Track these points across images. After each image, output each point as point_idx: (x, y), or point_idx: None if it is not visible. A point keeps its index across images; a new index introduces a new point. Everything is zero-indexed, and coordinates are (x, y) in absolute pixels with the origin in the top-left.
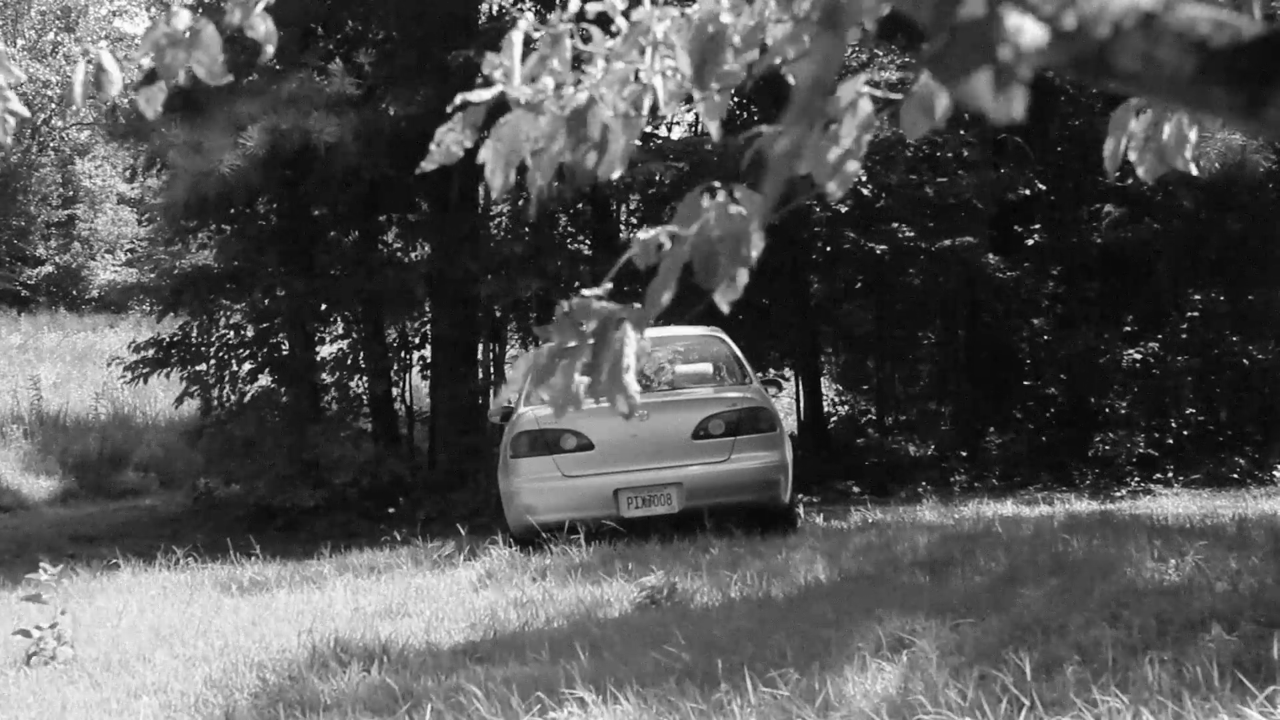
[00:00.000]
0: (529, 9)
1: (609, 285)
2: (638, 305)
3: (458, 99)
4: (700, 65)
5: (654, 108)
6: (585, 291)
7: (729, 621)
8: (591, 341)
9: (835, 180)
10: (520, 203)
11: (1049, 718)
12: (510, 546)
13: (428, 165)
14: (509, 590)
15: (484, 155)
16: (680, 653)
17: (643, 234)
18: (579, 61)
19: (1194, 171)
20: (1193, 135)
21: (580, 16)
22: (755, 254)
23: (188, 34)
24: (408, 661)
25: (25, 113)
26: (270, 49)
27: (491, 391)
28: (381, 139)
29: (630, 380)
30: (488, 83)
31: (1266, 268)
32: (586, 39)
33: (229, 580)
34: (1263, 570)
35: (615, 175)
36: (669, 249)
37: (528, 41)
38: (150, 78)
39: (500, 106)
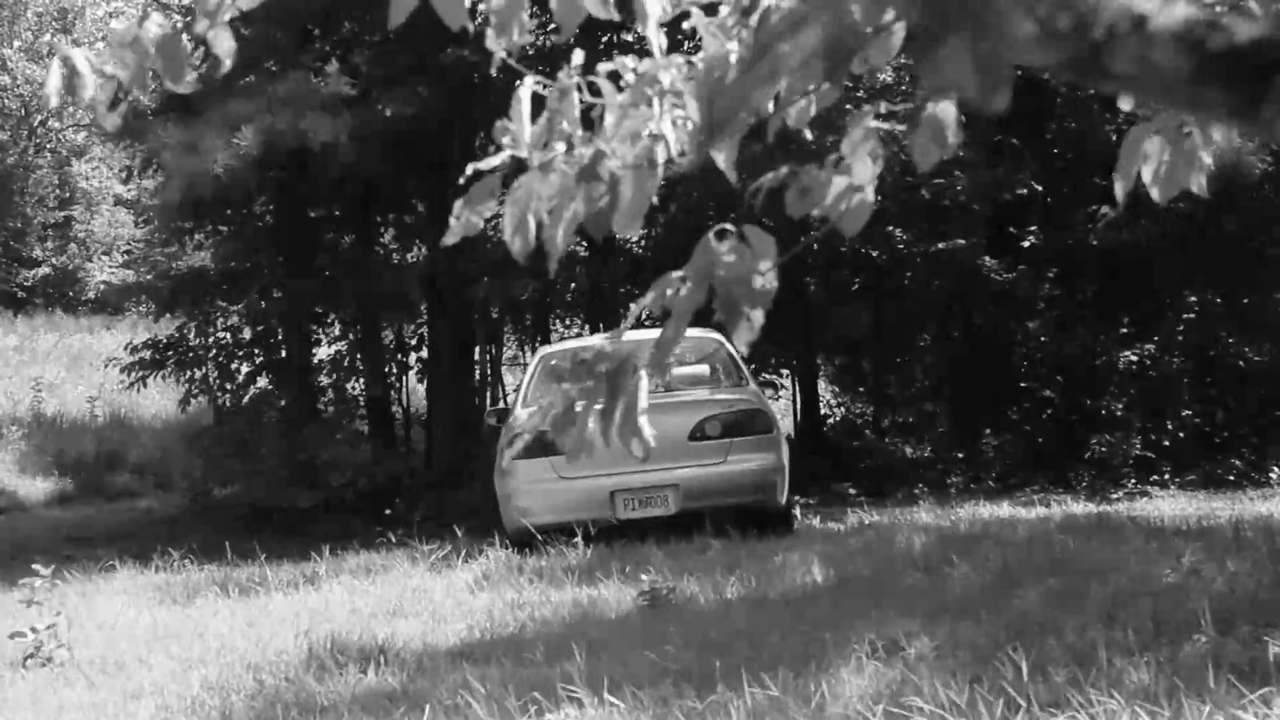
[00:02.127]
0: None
1: (624, 331)
2: (651, 342)
3: (469, 169)
4: (710, 112)
5: (668, 159)
6: (598, 339)
7: (725, 622)
8: (605, 382)
9: (850, 220)
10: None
11: (1043, 717)
12: (507, 548)
13: (449, 240)
14: (506, 592)
15: (503, 220)
16: (677, 653)
17: (658, 282)
18: (589, 116)
19: (1207, 194)
20: (1206, 158)
21: (588, 70)
22: (770, 294)
23: (158, 41)
24: (405, 663)
25: None
26: (228, 63)
27: (488, 393)
28: (377, 140)
29: (644, 423)
30: (498, 148)
31: (1262, 269)
32: (596, 92)
33: (226, 581)
34: (1258, 572)
35: (634, 232)
36: (684, 292)
37: (537, 100)
38: (114, 104)
39: (519, 165)
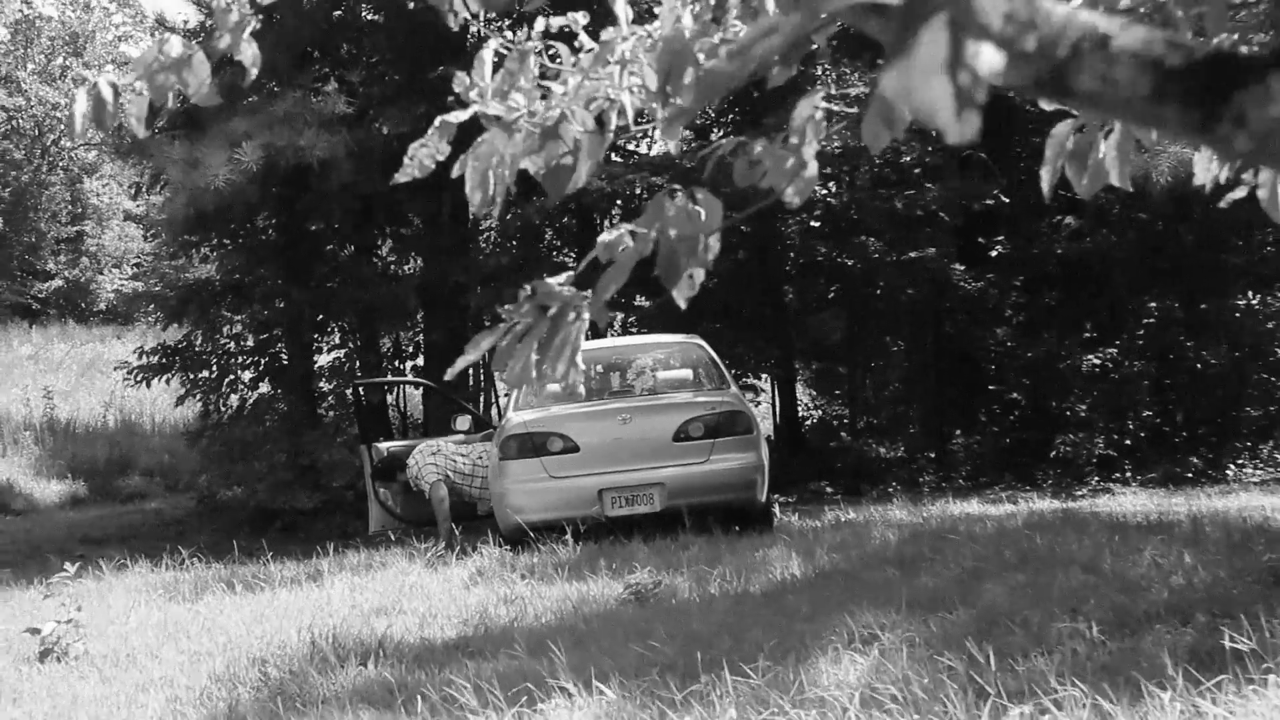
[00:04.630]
0: (503, 27)
1: (571, 275)
2: (590, 293)
3: (436, 121)
4: (665, 82)
5: (621, 123)
6: (549, 279)
7: (708, 616)
8: (548, 322)
9: (795, 191)
10: (510, 215)
11: (1011, 706)
12: (500, 545)
13: (401, 178)
14: (499, 587)
15: (457, 169)
16: (662, 646)
17: (608, 233)
18: (544, 78)
19: (1129, 188)
20: (1130, 155)
21: (547, 34)
22: (712, 255)
23: (179, 60)
24: (402, 656)
25: None
26: (254, 72)
27: (481, 398)
28: (374, 156)
29: (579, 360)
30: (459, 101)
31: (1218, 276)
32: (554, 57)
33: (232, 579)
34: (1215, 565)
35: (579, 186)
36: (629, 247)
37: (498, 59)
38: (152, 113)
39: (477, 125)
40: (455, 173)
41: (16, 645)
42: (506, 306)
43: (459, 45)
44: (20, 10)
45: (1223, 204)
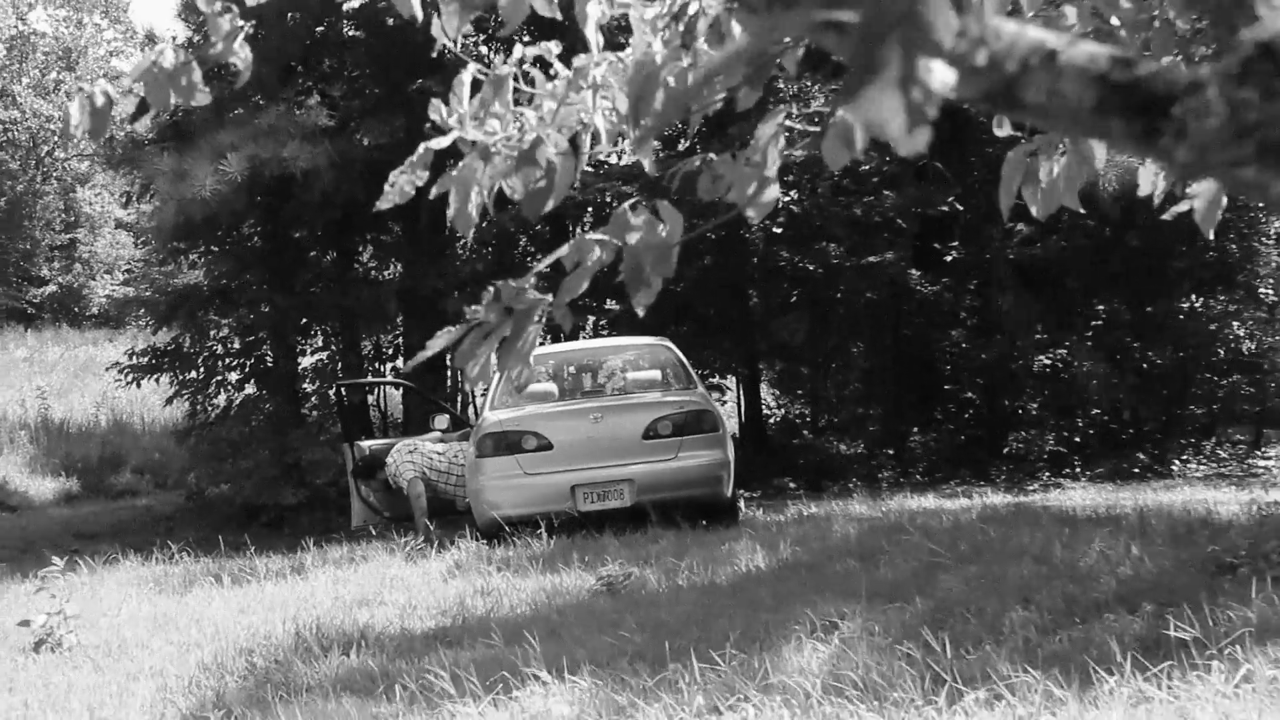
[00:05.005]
0: (478, 42)
1: (535, 278)
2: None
3: (420, 148)
4: (636, 105)
5: (595, 147)
6: (513, 281)
7: (677, 607)
8: (512, 322)
9: (756, 207)
10: (485, 224)
11: (966, 692)
12: (477, 540)
13: (383, 204)
14: (475, 580)
15: (435, 190)
16: (632, 636)
17: (573, 240)
18: (519, 103)
19: (1079, 209)
20: (1082, 175)
21: (522, 60)
22: (673, 264)
23: (174, 66)
24: (383, 646)
25: None
26: (247, 75)
27: (459, 398)
28: (355, 167)
29: (530, 359)
30: (436, 128)
31: (1163, 280)
32: (530, 82)
33: (220, 572)
34: (1161, 557)
35: (557, 202)
36: (596, 254)
37: (475, 84)
38: (141, 109)
39: (456, 147)
40: (434, 194)
41: (11, 637)
42: (473, 307)
43: (436, 61)
44: (15, 26)
45: (1166, 216)
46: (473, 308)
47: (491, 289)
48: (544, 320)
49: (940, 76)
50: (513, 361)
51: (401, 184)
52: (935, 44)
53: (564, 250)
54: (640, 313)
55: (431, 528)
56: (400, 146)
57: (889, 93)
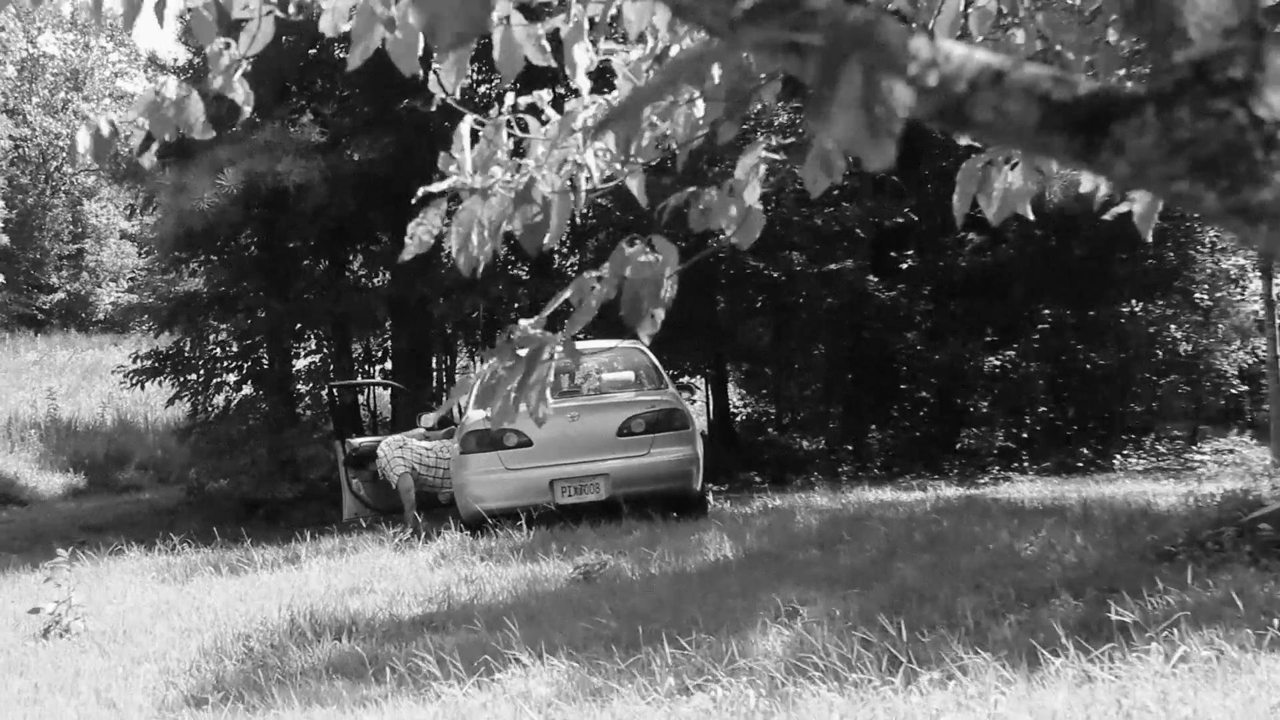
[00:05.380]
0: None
1: (544, 318)
2: (559, 334)
3: (420, 191)
4: (624, 144)
5: (591, 187)
6: (523, 322)
7: (649, 594)
8: (525, 362)
9: (742, 234)
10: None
11: (921, 673)
12: (461, 531)
13: (406, 255)
14: (460, 568)
15: (447, 240)
16: (607, 621)
17: (579, 277)
18: (519, 147)
19: (1031, 216)
20: (1031, 187)
21: (515, 109)
22: (669, 296)
23: (178, 99)
24: (373, 631)
25: None
26: (248, 110)
27: (444, 396)
28: (346, 181)
29: (547, 394)
30: (441, 175)
31: (1105, 287)
32: (524, 127)
33: (219, 562)
34: (1104, 545)
35: (557, 241)
36: (596, 290)
37: (473, 133)
38: (147, 141)
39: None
40: (446, 243)
41: (22, 624)
42: (489, 356)
43: (422, 83)
44: (26, 49)
45: (1107, 216)
46: (489, 350)
47: (504, 333)
48: (553, 357)
49: (900, 95)
50: (531, 397)
51: (420, 235)
52: (893, 65)
53: (568, 291)
54: (646, 341)
55: (419, 519)
56: (389, 162)
57: (854, 111)
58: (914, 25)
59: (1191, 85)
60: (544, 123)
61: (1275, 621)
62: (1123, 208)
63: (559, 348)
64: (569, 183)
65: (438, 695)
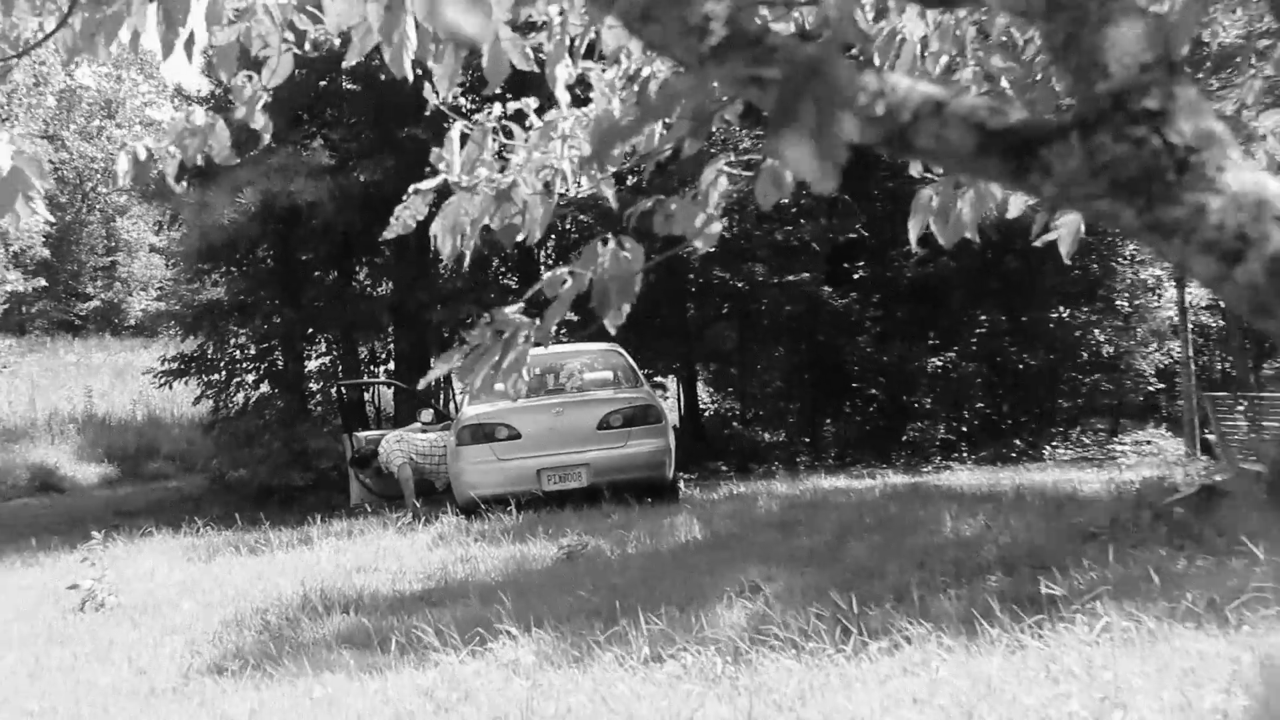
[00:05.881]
0: (462, 94)
1: (521, 305)
2: (538, 320)
3: (411, 188)
4: (598, 152)
5: (563, 189)
6: (505, 309)
7: (626, 571)
8: (503, 343)
9: (703, 239)
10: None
11: (871, 643)
12: (457, 515)
13: (389, 234)
14: (456, 549)
15: (434, 229)
16: (588, 596)
17: (551, 273)
18: (503, 151)
19: (978, 239)
20: (982, 211)
21: (503, 115)
22: (636, 290)
23: (205, 126)
24: (377, 606)
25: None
26: (267, 137)
27: (441, 394)
28: (353, 200)
29: (521, 373)
30: (434, 171)
31: (1035, 295)
32: (509, 134)
33: (239, 544)
34: (1034, 527)
35: (536, 239)
36: (569, 284)
37: (463, 137)
38: (182, 170)
39: (447, 189)
40: (432, 231)
41: (61, 599)
42: (471, 333)
43: (420, 111)
44: (64, 81)
45: (1037, 244)
46: (472, 334)
47: (486, 316)
48: (529, 341)
49: (848, 126)
50: (505, 375)
51: (405, 218)
52: (843, 98)
53: (542, 282)
54: (612, 331)
55: (418, 505)
56: (391, 182)
57: (807, 139)
58: (868, 62)
59: (1111, 114)
60: (527, 129)
61: (1187, 595)
62: (1050, 236)
63: (533, 332)
64: (547, 186)
65: (436, 663)
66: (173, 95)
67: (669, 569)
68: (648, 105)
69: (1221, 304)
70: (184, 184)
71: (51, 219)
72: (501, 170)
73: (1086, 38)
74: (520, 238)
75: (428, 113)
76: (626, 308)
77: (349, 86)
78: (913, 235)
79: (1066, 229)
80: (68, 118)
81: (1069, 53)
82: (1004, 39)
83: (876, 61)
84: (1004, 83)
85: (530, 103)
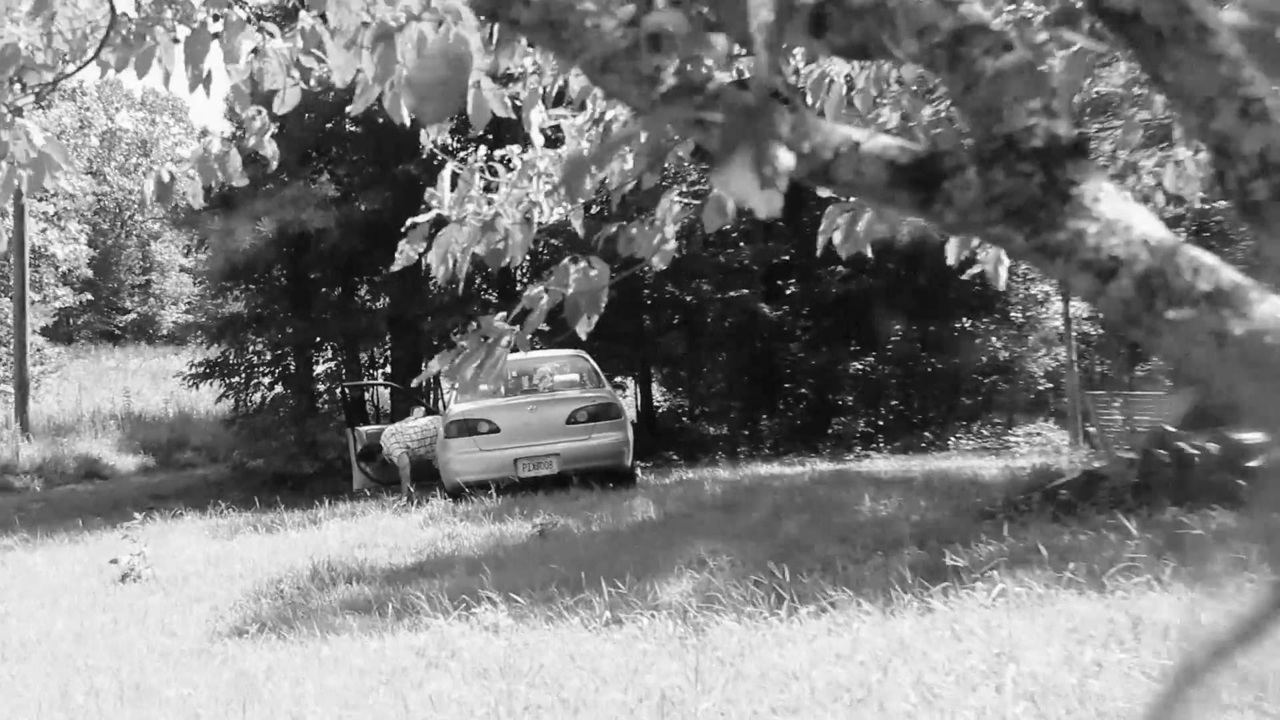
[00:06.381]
0: (452, 140)
1: (505, 315)
2: (518, 328)
3: (409, 222)
4: (569, 187)
5: (541, 219)
6: (491, 317)
7: (590, 546)
8: (487, 346)
9: (659, 259)
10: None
11: (800, 608)
12: (445, 498)
13: (395, 267)
14: (444, 527)
15: (430, 258)
16: (558, 568)
17: (530, 290)
18: (488, 187)
19: (869, 254)
20: (878, 231)
21: (488, 157)
22: (603, 304)
23: (220, 154)
24: (377, 577)
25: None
26: (275, 163)
27: (432, 395)
28: (355, 227)
29: (499, 372)
30: (428, 206)
31: (942, 308)
32: (494, 173)
33: (257, 524)
34: (941, 507)
35: (517, 263)
36: (545, 299)
37: (453, 177)
38: (208, 192)
39: (440, 220)
40: (428, 260)
41: (105, 571)
42: (460, 337)
43: (415, 149)
44: (106, 124)
45: (964, 276)
46: (461, 340)
47: (474, 323)
48: (509, 345)
49: (784, 160)
50: (487, 375)
51: (408, 251)
52: (776, 137)
53: (524, 298)
54: (583, 337)
55: (412, 490)
56: (389, 211)
57: (747, 172)
58: (801, 105)
59: (1004, 153)
60: (509, 168)
61: (1070, 565)
62: (975, 270)
63: (513, 338)
64: (526, 217)
65: (427, 626)
66: (199, 135)
67: (627, 544)
68: (609, 141)
69: (1099, 315)
70: (204, 211)
71: (78, 194)
72: (487, 203)
73: (983, 87)
74: (504, 262)
75: (423, 154)
76: (595, 318)
77: (351, 129)
78: (820, 244)
79: (990, 262)
80: (109, 156)
81: (968, 99)
82: (914, 87)
83: (810, 100)
84: (919, 120)
85: (515, 149)
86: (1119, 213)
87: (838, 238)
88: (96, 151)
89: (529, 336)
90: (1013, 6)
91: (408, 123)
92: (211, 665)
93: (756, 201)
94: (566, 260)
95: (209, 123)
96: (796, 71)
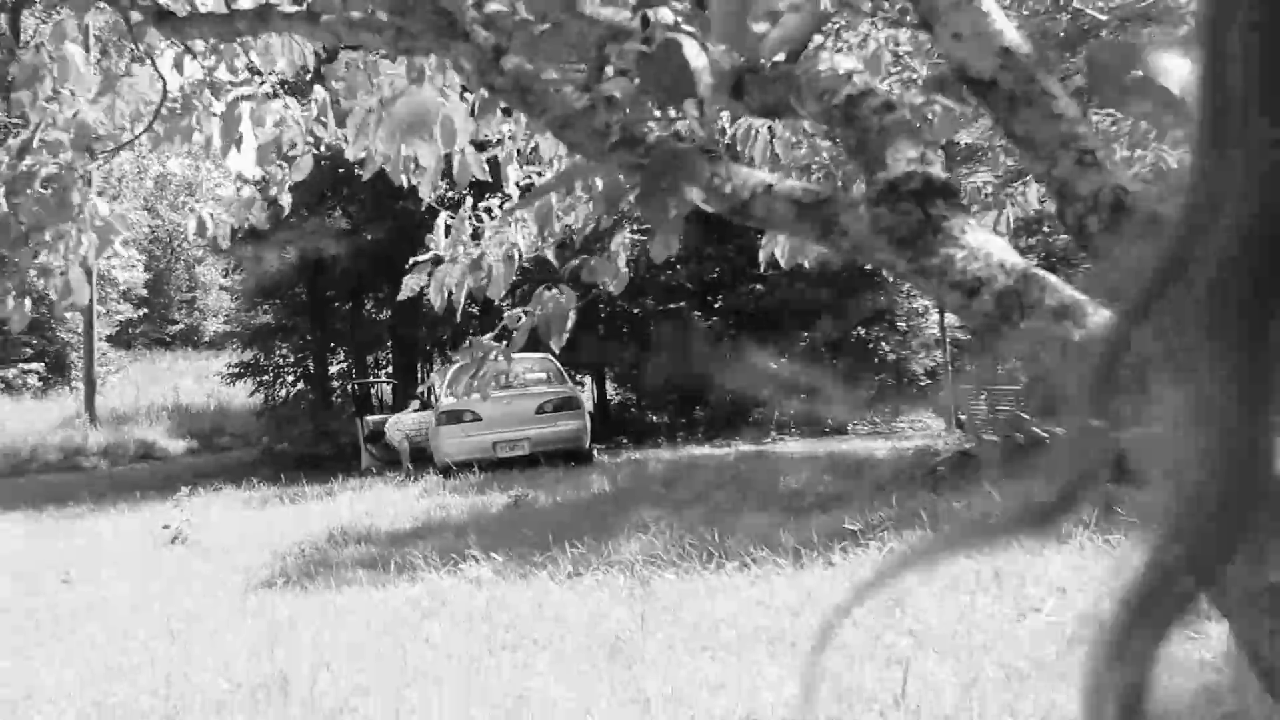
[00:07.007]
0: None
1: (493, 335)
2: (505, 344)
3: (411, 260)
4: (541, 229)
5: (520, 259)
6: (482, 337)
7: (557, 514)
8: (479, 361)
9: (615, 284)
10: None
11: (727, 564)
12: (437, 475)
13: (401, 296)
14: (436, 498)
15: (429, 293)
16: (530, 533)
17: (510, 312)
18: (476, 232)
19: (786, 269)
20: (800, 253)
21: (474, 207)
22: (571, 323)
23: (247, 200)
24: (380, 539)
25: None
26: (287, 209)
27: (424, 390)
28: (363, 254)
29: (490, 383)
30: (426, 248)
31: (843, 317)
32: (480, 220)
33: (282, 496)
34: (842, 481)
35: (501, 294)
36: (524, 320)
37: (446, 226)
38: (233, 233)
39: (438, 259)
40: (428, 293)
41: (158, 535)
42: (457, 355)
43: (414, 189)
44: (159, 169)
45: (770, 267)
46: (458, 358)
47: (468, 341)
48: (498, 359)
49: (695, 196)
50: (480, 385)
51: (411, 284)
52: (697, 179)
53: (506, 318)
54: (556, 350)
55: (411, 469)
56: (393, 241)
57: (662, 204)
58: (723, 154)
59: (889, 194)
60: (493, 218)
61: (944, 528)
62: (804, 259)
63: (500, 354)
64: (508, 256)
65: (422, 579)
66: (235, 179)
67: (586, 512)
68: (564, 177)
69: (967, 325)
70: (237, 242)
71: (128, 254)
72: (476, 244)
73: (872, 140)
74: (490, 294)
75: (423, 207)
76: (566, 335)
77: (359, 173)
78: (763, 259)
79: (778, 247)
80: (161, 195)
81: (859, 151)
82: (818, 137)
83: (740, 148)
84: (827, 160)
85: (496, 202)
86: (981, 242)
87: (778, 252)
88: (150, 191)
89: (515, 350)
90: (896, 71)
91: (405, 185)
92: (245, 614)
93: (664, 229)
94: (541, 287)
95: (244, 167)
96: (723, 130)
